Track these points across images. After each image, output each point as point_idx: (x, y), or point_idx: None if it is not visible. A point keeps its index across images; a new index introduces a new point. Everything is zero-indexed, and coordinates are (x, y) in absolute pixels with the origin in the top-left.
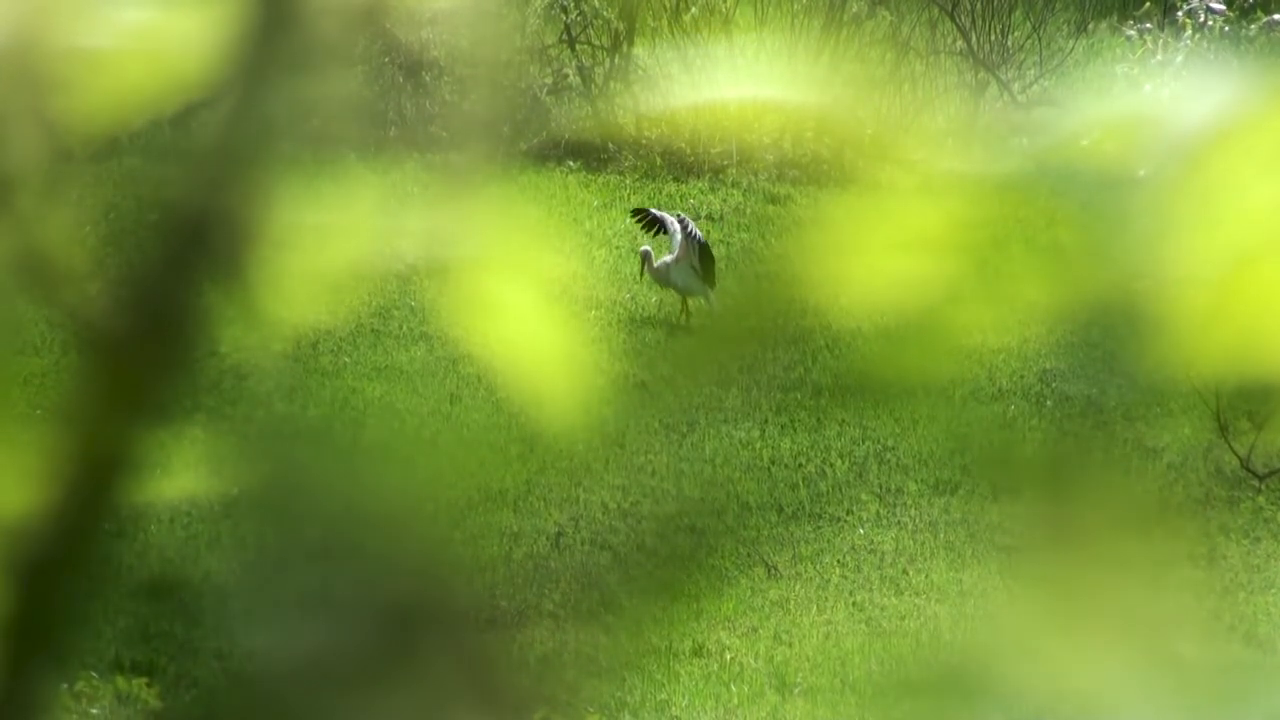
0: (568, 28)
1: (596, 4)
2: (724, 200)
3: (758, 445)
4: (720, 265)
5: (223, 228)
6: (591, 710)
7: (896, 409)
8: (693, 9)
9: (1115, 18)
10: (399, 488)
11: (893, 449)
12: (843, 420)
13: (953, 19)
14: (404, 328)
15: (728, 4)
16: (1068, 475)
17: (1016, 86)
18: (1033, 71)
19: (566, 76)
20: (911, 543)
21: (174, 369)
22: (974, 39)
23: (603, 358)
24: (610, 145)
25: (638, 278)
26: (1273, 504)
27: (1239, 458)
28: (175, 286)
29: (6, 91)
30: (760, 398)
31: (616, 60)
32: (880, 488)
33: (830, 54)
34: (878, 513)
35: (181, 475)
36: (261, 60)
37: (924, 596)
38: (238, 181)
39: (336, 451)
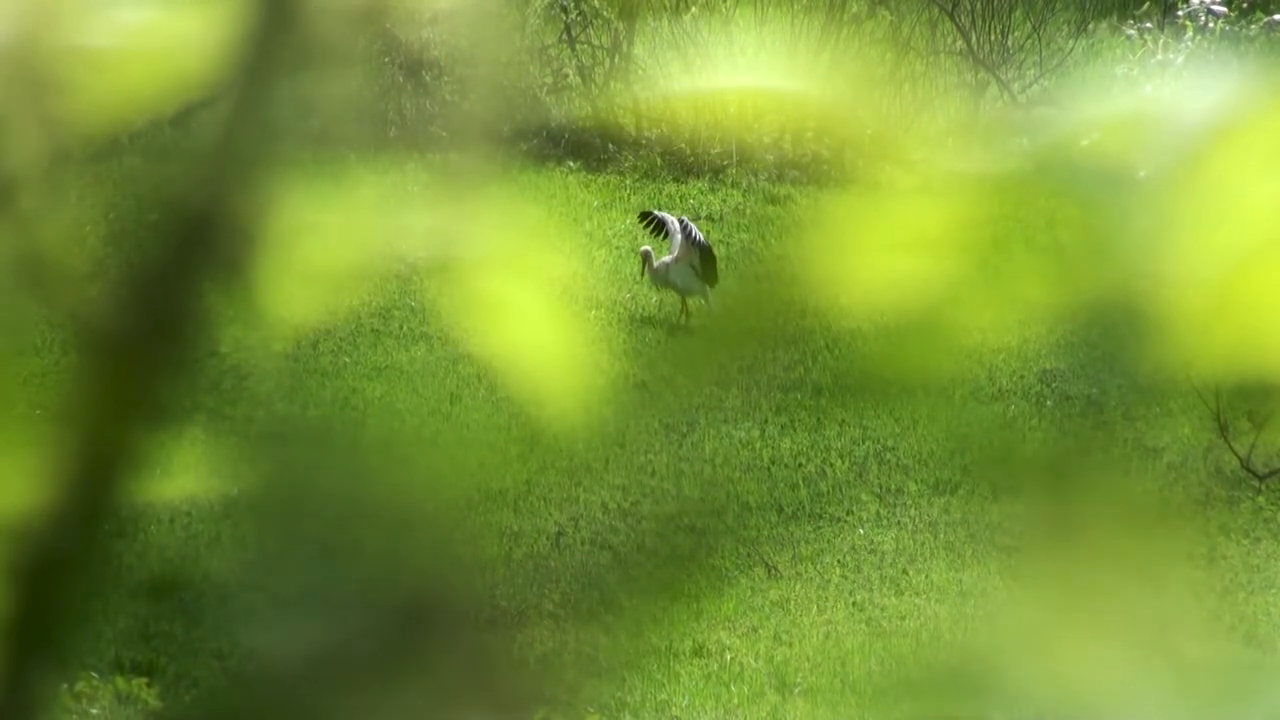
0: (568, 28)
1: (596, 4)
2: (724, 200)
3: (758, 445)
4: (720, 265)
5: (223, 228)
6: (591, 710)
7: (896, 409)
8: (693, 9)
9: (1115, 18)
10: (399, 487)
11: (893, 449)
12: (843, 420)
13: (953, 19)
14: (404, 328)
15: (728, 3)
16: (1068, 475)
17: (1016, 86)
18: (1033, 71)
19: (566, 76)
20: (911, 543)
21: (174, 369)
22: (974, 39)
23: (603, 358)
24: (610, 145)
25: (638, 277)
26: (1273, 504)
27: (1239, 458)
28: (175, 286)
29: (7, 91)
30: (760, 398)
31: (616, 60)
32: (880, 488)
33: (830, 54)
34: (878, 513)
35: (181, 475)
36: (262, 60)
37: (924, 596)
38: (238, 181)
39: (337, 451)
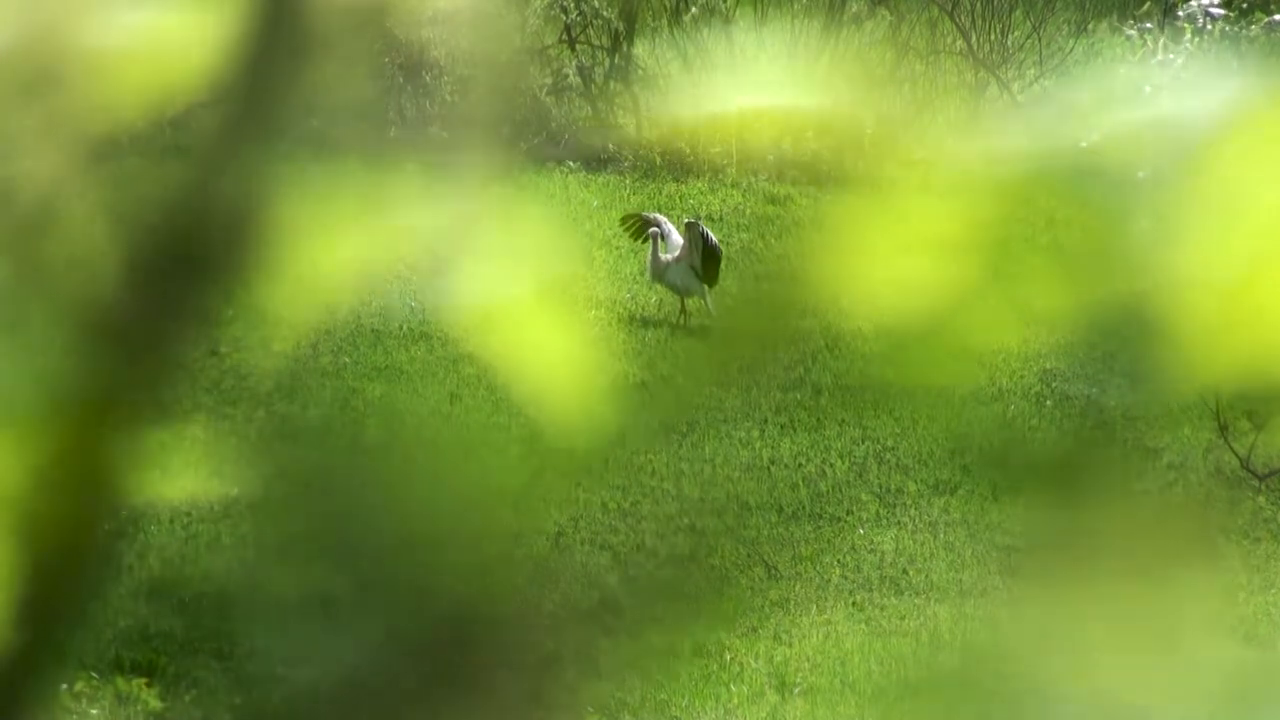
0: (568, 28)
1: (596, 4)
2: (724, 200)
3: (758, 445)
4: (720, 265)
5: (223, 228)
6: (591, 710)
7: (896, 409)
8: (693, 9)
9: (1115, 18)
10: (399, 487)
11: (893, 449)
12: (843, 420)
13: (953, 19)
14: (404, 328)
15: (728, 4)
16: (1068, 475)
17: (1016, 86)
18: (1033, 71)
19: (566, 76)
20: (911, 543)
21: (174, 369)
22: (974, 39)
23: (603, 358)
24: (610, 145)
25: (645, 264)
26: (1273, 504)
27: (1239, 458)
28: (175, 286)
29: (8, 91)
30: (760, 398)
31: (616, 60)
32: (880, 488)
33: (830, 54)
34: (878, 513)
35: (181, 475)
36: (262, 61)
37: (924, 596)
38: (238, 182)
39: (337, 451)
